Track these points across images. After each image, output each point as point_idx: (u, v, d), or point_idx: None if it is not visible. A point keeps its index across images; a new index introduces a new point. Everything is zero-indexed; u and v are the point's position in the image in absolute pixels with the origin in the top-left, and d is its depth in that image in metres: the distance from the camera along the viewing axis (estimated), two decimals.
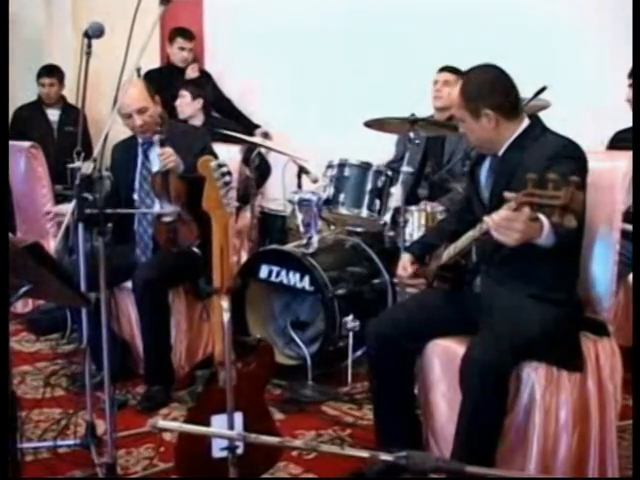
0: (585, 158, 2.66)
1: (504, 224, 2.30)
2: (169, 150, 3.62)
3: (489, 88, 2.73)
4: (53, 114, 6.06)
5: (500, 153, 2.77)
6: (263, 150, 5.04)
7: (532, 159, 2.63)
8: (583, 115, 4.49)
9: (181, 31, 6.08)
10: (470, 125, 2.77)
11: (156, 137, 3.66)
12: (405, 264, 3.02)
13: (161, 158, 3.62)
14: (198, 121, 5.37)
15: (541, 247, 2.48)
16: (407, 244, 3.75)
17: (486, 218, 2.40)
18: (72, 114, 5.85)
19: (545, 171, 2.20)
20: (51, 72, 5.98)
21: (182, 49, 6.07)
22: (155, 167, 3.76)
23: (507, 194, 2.26)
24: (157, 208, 3.76)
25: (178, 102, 5.37)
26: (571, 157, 2.61)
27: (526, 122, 2.77)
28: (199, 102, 5.36)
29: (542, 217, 2.32)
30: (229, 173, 2.64)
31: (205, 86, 5.72)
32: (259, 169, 5.05)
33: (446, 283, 2.89)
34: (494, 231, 2.34)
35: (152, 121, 3.74)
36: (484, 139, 2.78)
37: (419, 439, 2.93)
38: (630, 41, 4.06)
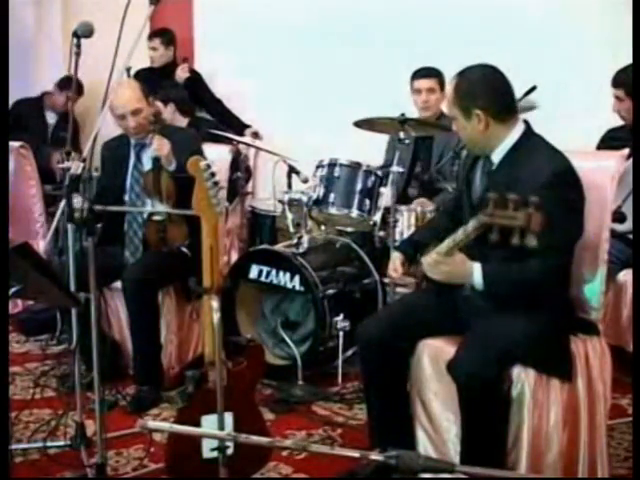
0: (579, 180, 2.63)
1: (432, 264, 2.61)
2: (165, 141, 3.60)
3: (481, 89, 2.69)
4: (51, 117, 6.03)
5: (495, 161, 2.74)
6: (244, 152, 5.02)
7: (525, 182, 2.57)
8: (581, 114, 4.52)
9: (156, 32, 6.00)
10: (461, 124, 2.74)
11: (151, 136, 3.66)
12: (396, 265, 3.00)
13: (155, 145, 3.60)
14: (182, 124, 5.32)
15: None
16: (397, 244, 3.76)
17: (422, 259, 2.69)
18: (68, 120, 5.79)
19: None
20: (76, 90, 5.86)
21: (154, 49, 6.00)
22: (147, 169, 3.75)
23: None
24: (149, 208, 3.75)
25: None
26: (565, 185, 2.59)
27: (521, 128, 2.72)
28: (171, 106, 5.23)
29: (475, 265, 2.59)
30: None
31: (172, 88, 5.58)
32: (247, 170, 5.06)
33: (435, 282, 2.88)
34: (426, 269, 2.66)
35: (146, 123, 3.72)
36: (474, 139, 2.75)
37: (414, 438, 2.92)
38: (629, 40, 4.06)
